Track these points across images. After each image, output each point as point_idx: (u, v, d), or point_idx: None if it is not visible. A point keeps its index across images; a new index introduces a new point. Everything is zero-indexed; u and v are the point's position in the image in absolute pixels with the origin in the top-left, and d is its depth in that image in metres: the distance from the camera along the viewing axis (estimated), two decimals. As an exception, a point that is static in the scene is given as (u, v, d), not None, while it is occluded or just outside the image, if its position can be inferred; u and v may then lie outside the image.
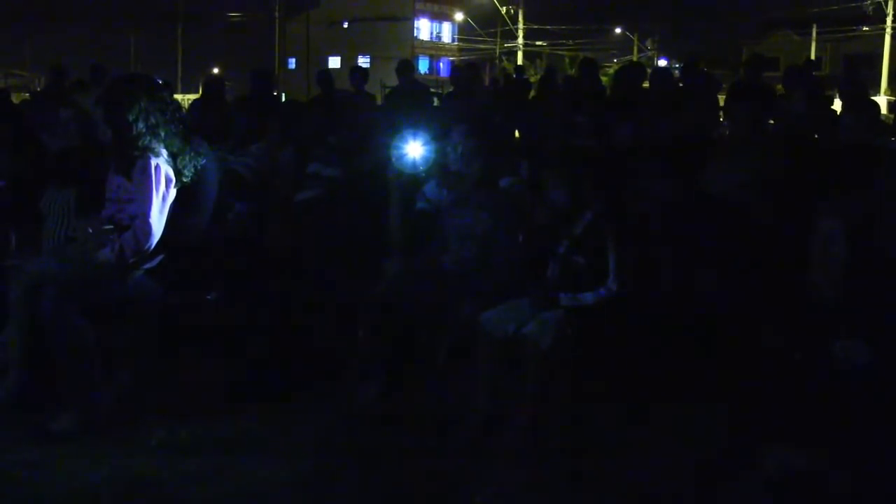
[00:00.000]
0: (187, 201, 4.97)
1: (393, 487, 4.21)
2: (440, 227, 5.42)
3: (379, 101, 14.37)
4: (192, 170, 4.92)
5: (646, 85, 10.10)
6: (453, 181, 5.37)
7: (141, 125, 4.77)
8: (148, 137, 4.78)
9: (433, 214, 5.41)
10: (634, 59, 47.35)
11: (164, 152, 4.81)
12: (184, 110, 5.39)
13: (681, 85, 10.72)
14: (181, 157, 4.88)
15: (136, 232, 4.75)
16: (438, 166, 5.46)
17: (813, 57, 43.86)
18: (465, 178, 5.31)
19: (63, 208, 5.40)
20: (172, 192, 4.84)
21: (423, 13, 68.16)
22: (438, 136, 5.57)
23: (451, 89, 12.41)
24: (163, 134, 4.84)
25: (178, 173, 4.86)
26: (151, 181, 4.73)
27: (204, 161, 5.02)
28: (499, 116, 9.49)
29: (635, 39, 60.41)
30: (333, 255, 6.27)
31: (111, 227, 4.84)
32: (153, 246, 4.79)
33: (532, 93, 11.93)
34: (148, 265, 4.88)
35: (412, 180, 5.34)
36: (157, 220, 4.75)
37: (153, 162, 4.75)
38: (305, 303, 6.02)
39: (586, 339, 4.64)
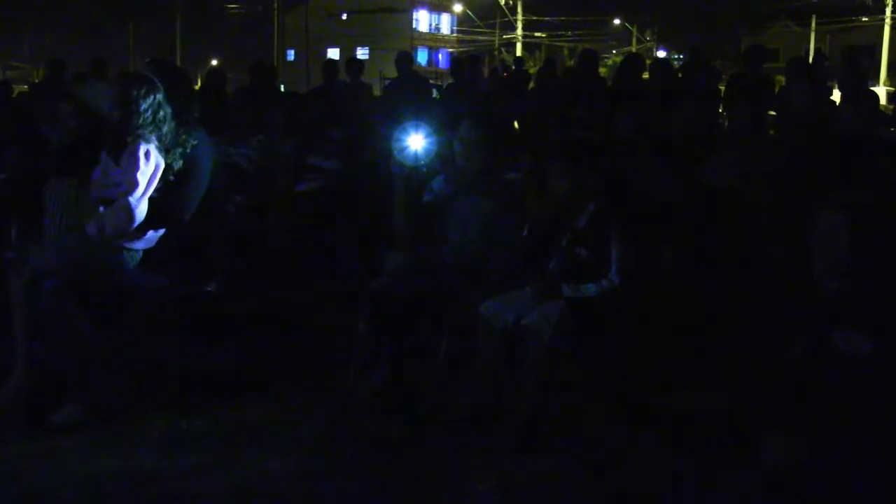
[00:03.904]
0: (178, 183, 5.00)
1: (394, 480, 4.21)
2: (442, 218, 5.41)
3: (377, 93, 14.37)
4: (181, 159, 4.98)
5: (646, 76, 10.09)
6: (458, 174, 5.37)
7: (149, 116, 4.82)
8: (150, 127, 4.82)
9: (437, 207, 5.40)
10: (633, 50, 47.30)
11: (156, 140, 4.84)
12: (193, 104, 5.36)
13: (680, 76, 10.71)
14: (172, 152, 4.93)
15: (117, 210, 4.78)
16: (443, 160, 5.45)
17: (812, 47, 43.85)
18: (470, 168, 5.31)
19: (64, 200, 5.40)
20: (158, 176, 4.87)
21: (422, 4, 67.97)
22: (439, 129, 5.56)
23: (450, 81, 12.41)
24: (164, 129, 4.88)
25: (167, 167, 4.91)
26: (138, 163, 4.75)
27: (196, 143, 5.06)
28: (499, 108, 9.48)
29: (634, 31, 60.36)
30: (333, 246, 6.28)
31: (102, 209, 4.87)
32: (136, 225, 4.81)
33: (531, 84, 11.93)
34: (144, 245, 4.93)
35: (413, 173, 5.33)
36: (140, 198, 4.78)
37: (142, 147, 4.77)
38: (306, 294, 6.02)
39: (588, 330, 4.64)
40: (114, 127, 4.92)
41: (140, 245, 4.93)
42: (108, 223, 4.79)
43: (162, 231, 4.97)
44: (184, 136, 5.04)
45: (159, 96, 4.88)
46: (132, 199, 4.75)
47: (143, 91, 4.84)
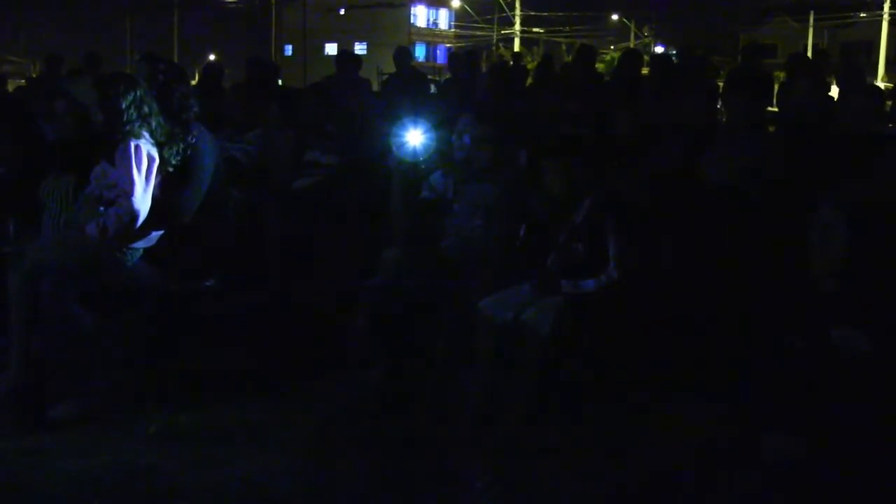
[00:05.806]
0: (179, 180, 4.99)
1: (393, 476, 4.20)
2: (442, 214, 5.40)
3: (375, 88, 14.30)
4: (179, 156, 4.97)
5: (645, 71, 10.08)
6: (459, 170, 5.35)
7: (133, 113, 4.80)
8: (138, 123, 4.81)
9: (436, 203, 5.39)
10: (631, 45, 47.27)
11: (147, 135, 4.83)
12: (191, 100, 5.33)
13: (679, 71, 10.68)
14: (167, 148, 4.92)
15: (119, 210, 4.77)
16: (442, 155, 5.44)
17: (810, 43, 43.86)
18: (475, 164, 5.30)
19: (62, 196, 5.38)
20: (155, 171, 4.85)
21: (420, 0, 68.02)
22: (437, 124, 5.54)
23: (448, 76, 12.38)
24: (153, 124, 4.87)
25: (163, 161, 4.90)
26: (131, 161, 4.76)
27: (195, 141, 5.05)
28: (498, 103, 9.45)
29: (632, 26, 60.26)
30: (332, 242, 6.26)
31: (102, 209, 4.85)
32: (139, 224, 4.80)
33: (529, 80, 11.90)
34: (144, 244, 4.91)
35: (412, 168, 5.32)
36: (142, 198, 4.77)
37: (133, 143, 4.77)
38: (304, 291, 6.01)
39: (587, 326, 4.63)
40: (102, 128, 4.92)
41: (140, 244, 4.93)
42: (110, 225, 4.77)
43: (162, 230, 4.97)
44: (180, 133, 5.04)
45: (139, 91, 4.89)
46: (134, 201, 4.74)
47: (121, 89, 4.84)
